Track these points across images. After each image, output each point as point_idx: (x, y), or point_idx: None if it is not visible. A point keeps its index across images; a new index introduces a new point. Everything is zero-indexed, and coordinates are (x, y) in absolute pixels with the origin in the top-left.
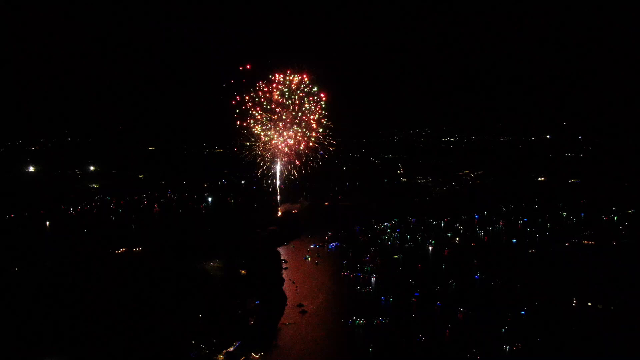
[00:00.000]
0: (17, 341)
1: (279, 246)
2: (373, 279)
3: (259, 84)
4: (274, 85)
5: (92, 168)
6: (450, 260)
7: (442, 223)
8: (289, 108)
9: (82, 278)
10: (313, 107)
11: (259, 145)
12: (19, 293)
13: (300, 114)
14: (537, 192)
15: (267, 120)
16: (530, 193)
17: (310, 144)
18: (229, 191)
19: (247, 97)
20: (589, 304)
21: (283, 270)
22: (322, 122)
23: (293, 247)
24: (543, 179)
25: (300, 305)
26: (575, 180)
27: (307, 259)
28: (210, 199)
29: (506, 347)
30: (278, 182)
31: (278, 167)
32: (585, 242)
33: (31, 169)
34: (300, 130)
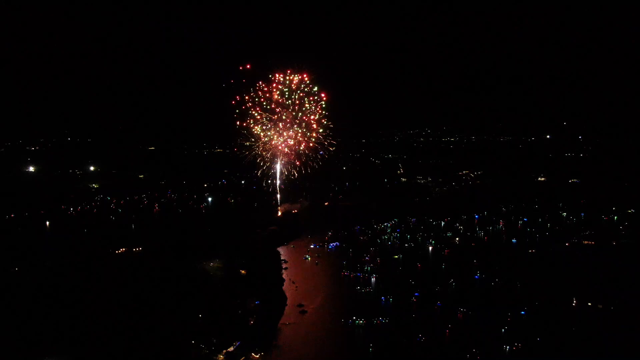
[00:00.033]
0: (17, 341)
1: (279, 246)
2: (373, 279)
3: (258, 83)
4: (274, 85)
5: (92, 168)
6: (450, 260)
7: (442, 223)
8: (289, 108)
9: (82, 278)
10: (313, 107)
11: (259, 145)
12: (19, 293)
13: (300, 114)
14: (537, 192)
15: (267, 120)
16: (530, 193)
17: (311, 144)
18: (229, 191)
19: (247, 97)
20: (589, 304)
21: (283, 270)
22: (322, 122)
23: (293, 247)
24: (543, 179)
25: (300, 305)
26: (575, 180)
27: (307, 259)
28: (210, 199)
29: (506, 347)
30: (278, 182)
31: (278, 167)
32: (585, 242)
33: (31, 169)
34: (300, 131)
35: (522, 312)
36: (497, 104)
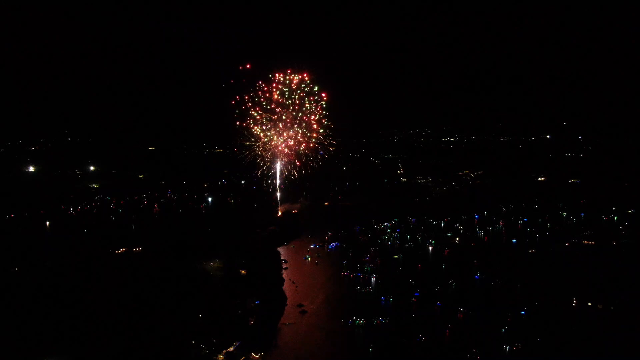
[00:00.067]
0: (17, 341)
1: (279, 246)
2: (373, 279)
3: (258, 83)
4: (274, 84)
5: (92, 168)
6: (450, 260)
7: (442, 223)
8: (289, 108)
9: (82, 278)
10: (313, 107)
11: (259, 145)
12: (19, 293)
13: (300, 114)
14: (537, 192)
15: (267, 120)
16: (530, 193)
17: (311, 144)
18: (229, 191)
19: (246, 97)
20: (589, 304)
21: (283, 270)
22: (323, 122)
23: (293, 247)
24: (543, 179)
25: (300, 305)
26: (575, 180)
27: (307, 259)
28: (210, 199)
29: (506, 347)
30: (278, 182)
31: (278, 167)
32: (585, 242)
33: (31, 169)
34: (300, 131)
35: (522, 312)
36: (497, 104)
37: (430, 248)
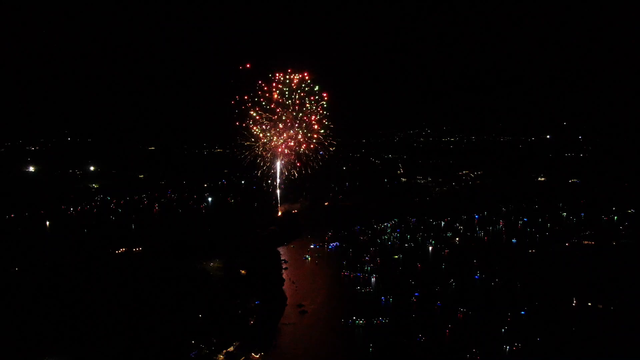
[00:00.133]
0: (17, 341)
1: (279, 246)
2: (373, 279)
3: (259, 83)
4: (274, 84)
5: (92, 168)
6: (450, 260)
7: (442, 223)
8: (289, 108)
9: (82, 278)
10: (314, 107)
11: (259, 145)
12: (19, 293)
13: (300, 114)
14: (537, 192)
15: (267, 120)
16: (530, 193)
17: (312, 145)
18: (229, 191)
19: (246, 97)
20: (589, 304)
21: (283, 270)
22: (323, 123)
23: (293, 247)
24: (543, 179)
25: (300, 305)
26: (575, 180)
27: (307, 259)
28: (210, 199)
29: (506, 347)
30: (278, 182)
31: (278, 167)
32: (585, 242)
33: (31, 169)
34: (300, 131)
35: (522, 312)
36: (497, 104)
37: (430, 248)
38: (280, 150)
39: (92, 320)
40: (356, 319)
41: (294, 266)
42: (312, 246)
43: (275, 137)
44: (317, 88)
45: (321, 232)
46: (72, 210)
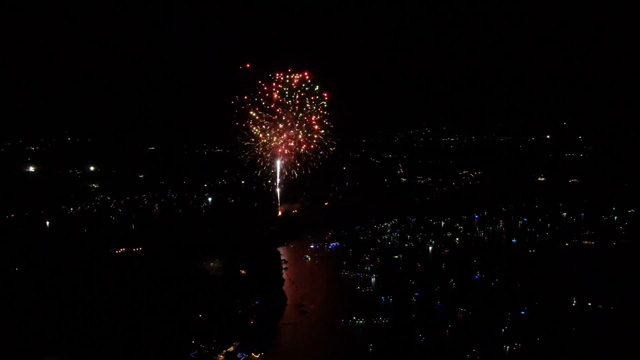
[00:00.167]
0: (17, 341)
1: (279, 246)
2: (373, 279)
3: (259, 83)
4: (274, 84)
5: (92, 168)
6: (450, 260)
7: (442, 223)
8: (289, 108)
9: (82, 278)
10: (314, 107)
11: (259, 145)
12: (19, 293)
13: (300, 114)
14: (537, 192)
15: (267, 120)
16: (530, 193)
17: (312, 146)
18: (229, 191)
19: (245, 97)
20: (589, 304)
21: (283, 270)
22: (323, 123)
23: (293, 247)
24: (543, 179)
25: (300, 305)
26: (575, 180)
27: (307, 259)
28: (210, 199)
29: (506, 347)
30: (278, 182)
31: (278, 168)
32: (585, 242)
33: (31, 169)
34: (300, 132)
35: (522, 312)
36: (497, 104)
37: (430, 248)
38: (280, 150)
39: (92, 320)
40: (356, 319)
41: (294, 266)
42: (312, 246)
43: (275, 137)
44: (317, 88)
45: (321, 232)
46: (72, 210)
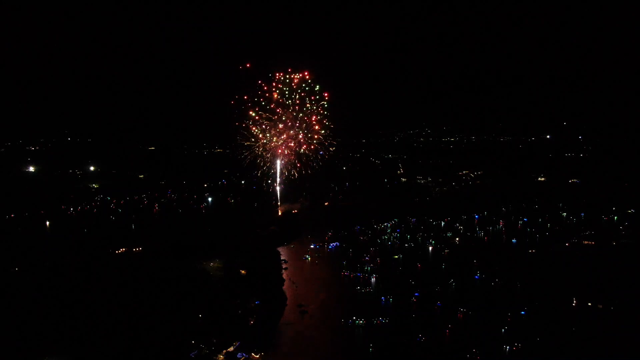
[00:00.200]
0: (17, 341)
1: (279, 246)
2: (373, 279)
3: (259, 83)
4: (274, 84)
5: (92, 168)
6: (450, 260)
7: (442, 223)
8: (289, 108)
9: (82, 278)
10: (314, 107)
11: (259, 145)
12: (19, 293)
13: (301, 114)
14: (537, 192)
15: (267, 120)
16: (530, 193)
17: (312, 146)
18: (229, 191)
19: (245, 97)
20: (589, 304)
21: (283, 270)
22: (323, 123)
23: (293, 247)
24: (543, 179)
25: (300, 305)
26: (575, 180)
27: (307, 259)
28: (210, 199)
29: (506, 347)
30: (278, 182)
31: (278, 168)
32: (585, 242)
33: (31, 169)
34: (300, 132)
35: (522, 312)
36: (497, 104)
37: (430, 248)
38: (280, 150)
39: (92, 320)
40: (356, 319)
41: (294, 266)
42: (312, 246)
43: (275, 137)
44: (317, 88)
45: (321, 232)
46: (72, 210)
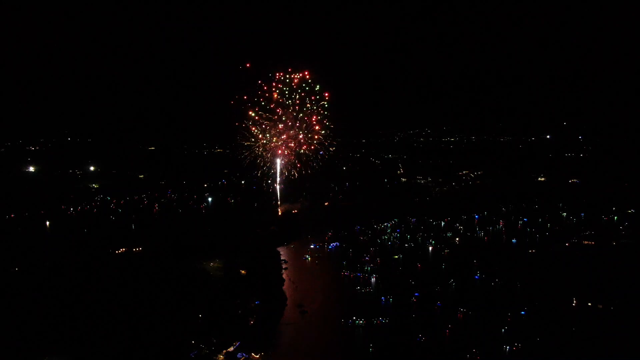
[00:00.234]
0: (17, 341)
1: (279, 246)
2: (373, 279)
3: (259, 82)
4: (274, 84)
5: (92, 168)
6: (450, 260)
7: (442, 223)
8: (289, 108)
9: (82, 278)
10: (314, 107)
11: (259, 145)
12: (19, 293)
13: (301, 114)
14: (537, 192)
15: (267, 120)
16: (530, 193)
17: (312, 146)
18: (229, 191)
19: (245, 97)
20: (589, 304)
21: (283, 270)
22: (323, 123)
23: (293, 247)
24: (543, 179)
25: (300, 305)
26: (575, 180)
27: (307, 259)
28: (210, 199)
29: (506, 347)
30: (278, 182)
31: (278, 168)
32: (585, 242)
33: (31, 169)
34: (300, 132)
35: (522, 312)
36: (497, 104)
37: (430, 248)
38: (280, 150)
39: (92, 320)
40: (356, 319)
41: (294, 266)
42: (312, 246)
43: (275, 138)
44: (317, 88)
45: (321, 232)
46: (72, 210)
